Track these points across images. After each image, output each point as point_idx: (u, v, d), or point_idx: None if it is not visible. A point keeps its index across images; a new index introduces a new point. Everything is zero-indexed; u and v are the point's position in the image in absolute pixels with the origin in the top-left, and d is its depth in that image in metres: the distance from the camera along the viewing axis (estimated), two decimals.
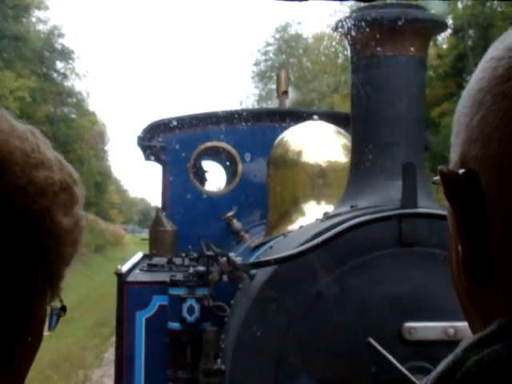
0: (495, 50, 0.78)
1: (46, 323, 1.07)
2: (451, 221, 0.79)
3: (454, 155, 0.80)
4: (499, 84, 0.74)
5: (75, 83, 51.81)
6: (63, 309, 1.09)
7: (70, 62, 49.50)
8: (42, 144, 1.04)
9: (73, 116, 51.34)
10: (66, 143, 43.55)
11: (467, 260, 0.76)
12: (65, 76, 50.00)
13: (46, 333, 1.07)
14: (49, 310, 1.07)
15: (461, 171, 0.76)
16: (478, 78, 0.79)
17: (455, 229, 0.78)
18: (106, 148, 68.86)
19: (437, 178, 0.80)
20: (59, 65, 49.31)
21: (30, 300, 0.99)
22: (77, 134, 48.44)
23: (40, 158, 1.01)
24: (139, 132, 7.36)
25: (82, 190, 1.10)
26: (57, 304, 1.09)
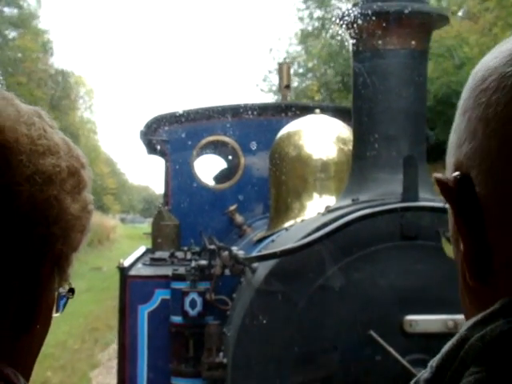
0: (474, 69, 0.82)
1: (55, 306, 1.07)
2: (452, 221, 0.81)
3: (448, 167, 0.82)
4: (479, 84, 0.77)
5: None
6: (71, 291, 1.09)
7: None
8: (48, 127, 1.04)
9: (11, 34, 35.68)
10: None
11: (469, 257, 0.77)
12: None
13: (54, 314, 1.07)
14: (56, 294, 1.07)
15: (454, 174, 0.77)
16: (462, 95, 0.82)
17: (456, 228, 0.79)
18: (87, 105, 60.36)
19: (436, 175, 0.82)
20: None
21: (39, 287, 0.99)
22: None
23: (47, 145, 1.00)
24: (142, 125, 7.35)
25: (90, 173, 1.09)
26: (65, 287, 1.09)
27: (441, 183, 0.80)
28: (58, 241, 1.00)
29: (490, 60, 0.79)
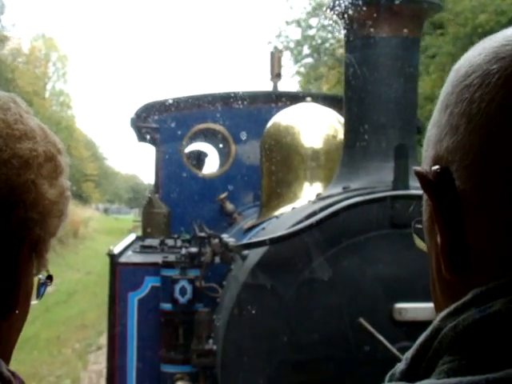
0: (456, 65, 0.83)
1: (34, 292, 1.08)
2: (429, 214, 0.82)
3: (426, 160, 0.83)
4: (462, 80, 0.78)
5: None
6: (50, 278, 1.10)
7: None
8: (24, 113, 1.04)
9: None
10: None
11: (446, 250, 0.78)
12: None
13: (33, 302, 1.08)
14: (36, 280, 1.07)
15: (434, 168, 0.78)
16: (443, 89, 0.83)
17: (434, 221, 0.80)
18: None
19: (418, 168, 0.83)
20: None
21: (17, 273, 0.99)
22: None
23: (23, 129, 1.00)
24: (130, 109, 7.33)
25: (67, 159, 1.09)
26: (44, 274, 1.09)
27: (420, 176, 0.80)
28: (35, 226, 1.00)
29: (474, 56, 0.79)
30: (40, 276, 1.08)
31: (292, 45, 27.82)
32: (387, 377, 0.79)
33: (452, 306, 0.74)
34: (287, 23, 27.56)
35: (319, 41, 26.66)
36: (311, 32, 27.11)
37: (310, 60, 28.20)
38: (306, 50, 27.87)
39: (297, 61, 28.18)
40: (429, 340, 0.74)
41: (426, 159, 0.83)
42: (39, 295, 1.09)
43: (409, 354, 0.76)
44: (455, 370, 0.70)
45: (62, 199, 1.05)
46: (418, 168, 0.81)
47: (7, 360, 1.02)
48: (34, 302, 1.08)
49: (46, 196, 1.00)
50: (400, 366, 0.77)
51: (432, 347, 0.73)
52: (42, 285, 1.09)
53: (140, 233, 7.30)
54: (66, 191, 1.07)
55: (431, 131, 0.83)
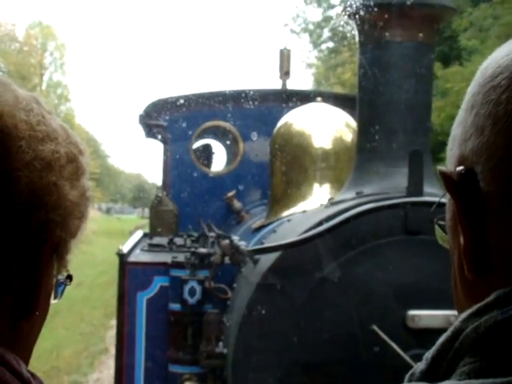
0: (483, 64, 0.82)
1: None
2: (452, 213, 0.82)
3: (451, 160, 0.83)
4: (489, 81, 0.78)
5: None
6: (69, 278, 1.10)
7: None
8: (46, 114, 1.03)
9: None
10: None
11: (469, 251, 0.78)
12: None
13: (53, 301, 1.08)
14: (55, 281, 1.07)
15: (459, 169, 0.78)
16: (469, 89, 0.83)
17: (457, 221, 0.80)
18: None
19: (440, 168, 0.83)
20: None
21: (38, 274, 0.99)
22: None
23: (46, 131, 1.00)
24: (138, 110, 7.33)
25: (88, 159, 1.09)
26: (63, 274, 1.09)
27: (444, 176, 0.80)
28: (56, 227, 0.99)
29: (501, 57, 0.79)
30: (59, 276, 1.08)
31: (311, 27, 26.09)
32: (407, 376, 0.79)
33: (474, 307, 0.74)
34: (306, 3, 25.84)
35: (342, 22, 25.12)
36: (333, 12, 25.29)
37: (330, 44, 26.39)
38: (326, 34, 26.01)
39: (316, 45, 26.53)
40: (450, 340, 0.74)
41: (450, 158, 0.83)
42: (57, 295, 1.08)
43: (429, 354, 0.76)
44: (476, 372, 0.70)
45: (83, 200, 1.05)
46: (442, 168, 0.81)
47: (26, 361, 1.03)
48: (53, 301, 1.08)
49: (67, 198, 1.00)
50: (420, 366, 0.77)
51: (453, 348, 0.73)
52: (61, 284, 1.08)
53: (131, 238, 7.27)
54: (86, 192, 1.07)
55: (456, 130, 0.83)
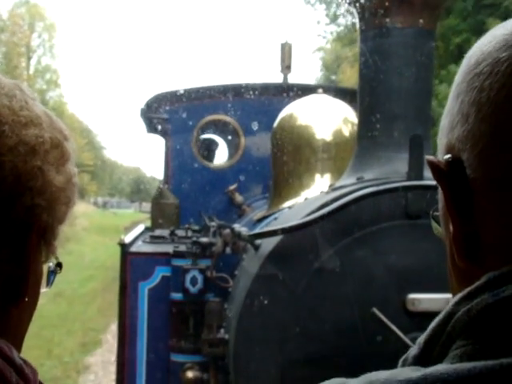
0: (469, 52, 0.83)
1: (44, 280, 1.08)
2: (443, 202, 0.83)
3: (440, 149, 0.84)
4: (473, 68, 0.78)
5: None
6: (59, 265, 1.10)
7: None
8: (30, 100, 1.03)
9: None
10: None
11: (458, 238, 0.78)
12: None
13: (43, 289, 1.08)
14: (46, 268, 1.07)
15: (446, 157, 0.79)
16: (456, 78, 0.83)
17: (446, 208, 0.81)
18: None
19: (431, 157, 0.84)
20: None
21: (26, 260, 0.98)
22: None
23: (29, 116, 1.00)
24: (138, 103, 7.34)
25: (74, 145, 1.09)
26: (53, 261, 1.09)
27: (432, 165, 0.81)
28: (43, 212, 0.99)
29: (485, 45, 0.79)
30: (50, 264, 1.08)
31: None
32: (400, 361, 0.79)
33: (465, 291, 0.74)
34: None
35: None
36: None
37: (348, 20, 24.62)
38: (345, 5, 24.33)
39: (333, 19, 24.35)
40: (442, 324, 0.74)
41: (439, 148, 0.84)
42: (49, 283, 1.09)
43: (421, 338, 0.77)
44: (469, 355, 0.70)
45: (69, 186, 1.05)
46: (429, 157, 0.82)
47: (18, 348, 1.02)
48: (44, 289, 1.08)
49: (53, 182, 1.00)
50: (413, 351, 0.77)
51: (445, 332, 0.73)
52: (52, 273, 1.08)
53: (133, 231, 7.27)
54: (73, 178, 1.06)
55: (445, 120, 0.83)
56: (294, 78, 8.19)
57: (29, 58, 44.72)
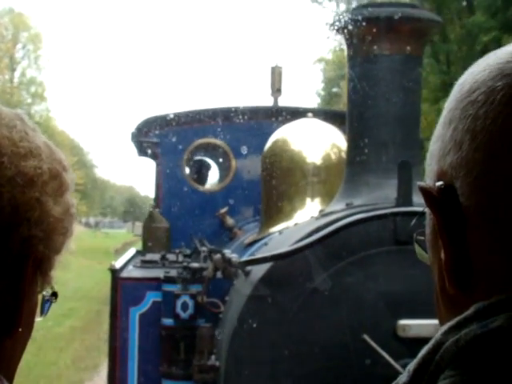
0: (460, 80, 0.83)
1: (38, 309, 1.08)
2: (432, 228, 0.82)
3: (430, 175, 0.83)
4: (466, 96, 0.79)
5: None
6: (54, 295, 1.10)
7: None
8: (30, 130, 1.04)
9: None
10: None
11: (450, 266, 0.78)
12: None
13: (38, 318, 1.08)
14: (40, 297, 1.07)
15: (438, 184, 0.79)
16: (447, 104, 0.83)
17: (437, 236, 0.80)
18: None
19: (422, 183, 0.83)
20: None
21: (21, 290, 0.98)
22: None
23: (29, 147, 1.00)
24: (131, 124, 7.36)
25: (73, 175, 1.10)
26: (48, 291, 1.09)
27: (424, 191, 0.80)
28: (39, 243, 0.99)
29: (478, 73, 0.80)
30: (44, 293, 1.08)
31: None
32: None
33: (454, 320, 0.74)
34: None
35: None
36: None
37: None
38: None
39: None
40: (431, 353, 0.74)
41: (429, 174, 0.83)
42: (44, 312, 1.08)
43: (411, 366, 0.76)
44: None
45: (66, 216, 1.05)
46: (422, 183, 0.81)
47: (10, 380, 1.02)
48: (38, 318, 1.08)
49: (50, 213, 1.00)
50: (402, 379, 0.76)
51: (434, 361, 0.73)
52: (47, 301, 1.08)
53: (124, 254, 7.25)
54: (71, 208, 1.07)
55: (435, 145, 0.83)
56: (286, 100, 8.21)
57: (13, 70, 43.23)
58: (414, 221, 1.13)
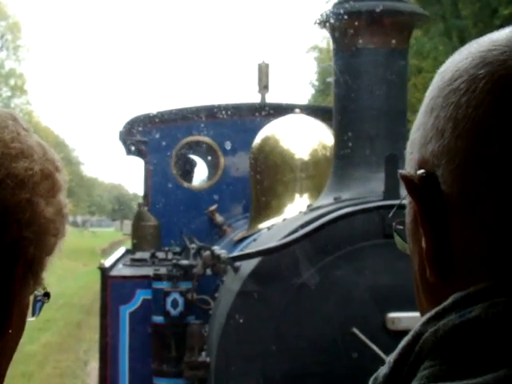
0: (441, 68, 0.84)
1: (30, 310, 1.07)
2: (413, 217, 0.82)
3: (411, 163, 0.83)
4: (448, 84, 0.79)
5: None
6: (47, 295, 1.09)
7: None
8: (22, 131, 1.03)
9: None
10: None
11: (431, 254, 0.78)
12: None
13: (30, 319, 1.07)
14: (32, 297, 1.06)
15: (420, 172, 0.79)
16: (428, 93, 0.83)
17: (418, 225, 0.80)
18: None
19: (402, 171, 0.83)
20: None
21: (12, 292, 0.98)
22: None
23: (20, 148, 1.00)
24: (120, 127, 7.35)
25: (65, 176, 1.09)
26: (40, 291, 1.08)
27: (406, 179, 0.80)
28: (30, 244, 0.99)
29: (460, 61, 0.80)
30: (36, 292, 1.07)
31: None
32: (371, 380, 0.78)
33: (433, 311, 0.74)
34: None
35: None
36: None
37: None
38: None
39: None
40: (411, 344, 0.74)
41: (410, 162, 0.83)
42: (35, 313, 1.08)
43: (391, 357, 0.76)
44: (436, 376, 0.70)
45: (58, 217, 1.04)
46: (403, 171, 0.81)
47: (1, 381, 1.02)
48: (30, 319, 1.07)
49: (42, 214, 1.00)
50: (383, 370, 0.77)
51: (414, 351, 0.73)
52: (38, 301, 1.08)
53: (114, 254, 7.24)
54: (63, 209, 1.06)
55: (416, 134, 0.83)
56: (275, 96, 8.19)
57: None
58: (392, 212, 1.12)
